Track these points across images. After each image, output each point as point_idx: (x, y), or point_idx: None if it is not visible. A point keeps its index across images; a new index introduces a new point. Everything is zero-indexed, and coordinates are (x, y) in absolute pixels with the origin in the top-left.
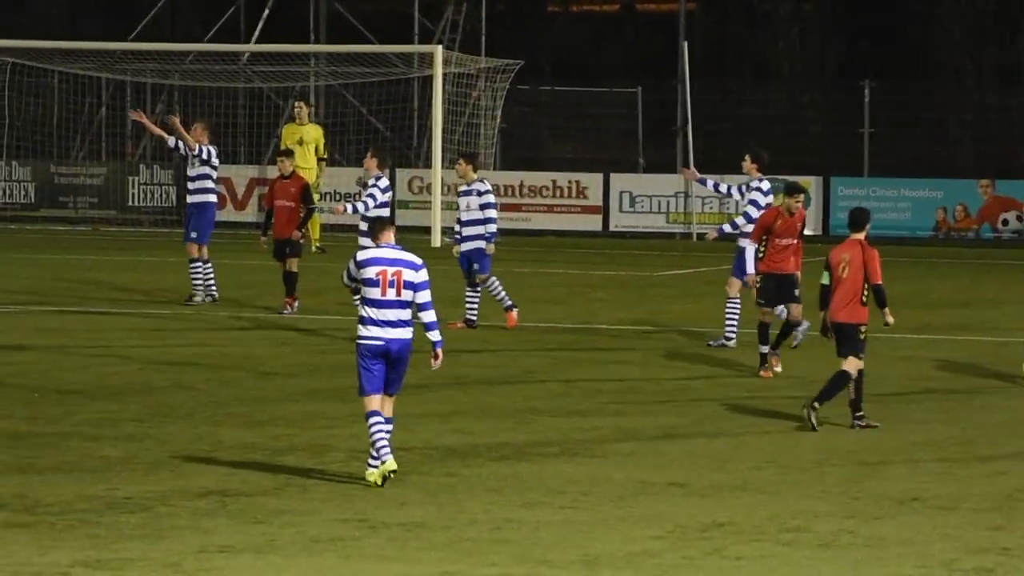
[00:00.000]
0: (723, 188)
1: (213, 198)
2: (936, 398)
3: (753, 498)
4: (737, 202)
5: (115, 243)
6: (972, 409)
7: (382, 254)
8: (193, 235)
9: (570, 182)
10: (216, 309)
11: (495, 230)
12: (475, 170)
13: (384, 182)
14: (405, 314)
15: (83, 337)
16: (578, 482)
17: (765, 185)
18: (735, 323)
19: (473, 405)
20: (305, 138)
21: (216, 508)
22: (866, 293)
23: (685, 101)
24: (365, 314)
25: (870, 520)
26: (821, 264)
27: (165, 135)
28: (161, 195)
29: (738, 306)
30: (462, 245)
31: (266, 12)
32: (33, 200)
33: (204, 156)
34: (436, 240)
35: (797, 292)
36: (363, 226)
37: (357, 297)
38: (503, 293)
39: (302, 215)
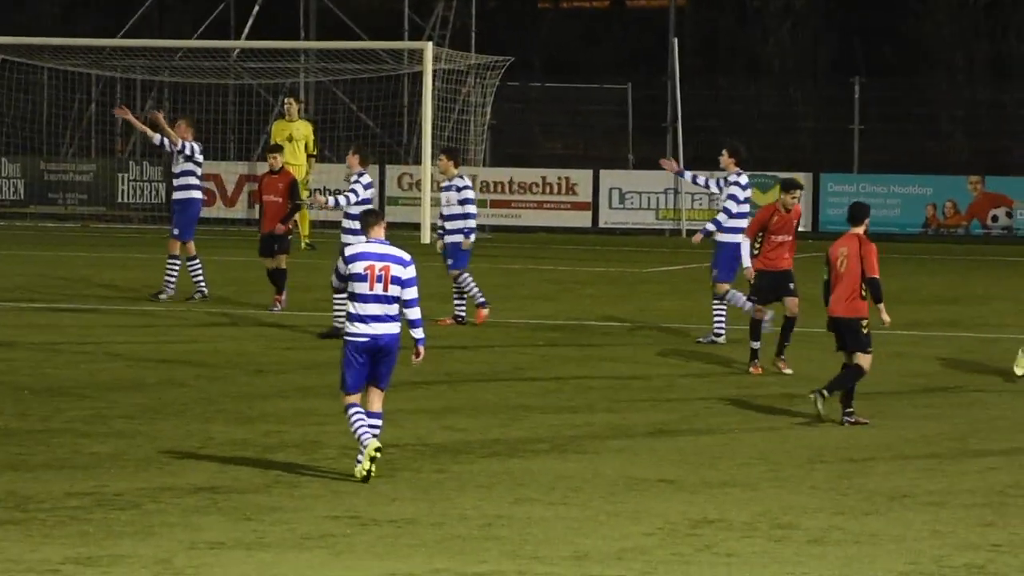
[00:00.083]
0: (701, 181)
1: (197, 195)
2: (926, 394)
3: (743, 494)
4: (716, 196)
5: (105, 239)
6: (962, 405)
7: (371, 249)
8: (175, 232)
9: (560, 178)
10: (206, 306)
11: (473, 225)
12: (456, 166)
13: (367, 179)
14: (392, 309)
15: (73, 334)
16: (569, 478)
17: (743, 179)
18: (724, 319)
19: (464, 402)
20: (295, 134)
21: (206, 505)
22: (865, 287)
23: (675, 97)
24: (352, 310)
25: (860, 516)
26: (810, 260)
27: (150, 132)
28: (151, 191)
29: (724, 303)
30: (444, 240)
31: (256, 8)
32: (22, 196)
33: (188, 152)
34: (426, 236)
35: (792, 286)
36: (346, 223)
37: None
38: (475, 289)
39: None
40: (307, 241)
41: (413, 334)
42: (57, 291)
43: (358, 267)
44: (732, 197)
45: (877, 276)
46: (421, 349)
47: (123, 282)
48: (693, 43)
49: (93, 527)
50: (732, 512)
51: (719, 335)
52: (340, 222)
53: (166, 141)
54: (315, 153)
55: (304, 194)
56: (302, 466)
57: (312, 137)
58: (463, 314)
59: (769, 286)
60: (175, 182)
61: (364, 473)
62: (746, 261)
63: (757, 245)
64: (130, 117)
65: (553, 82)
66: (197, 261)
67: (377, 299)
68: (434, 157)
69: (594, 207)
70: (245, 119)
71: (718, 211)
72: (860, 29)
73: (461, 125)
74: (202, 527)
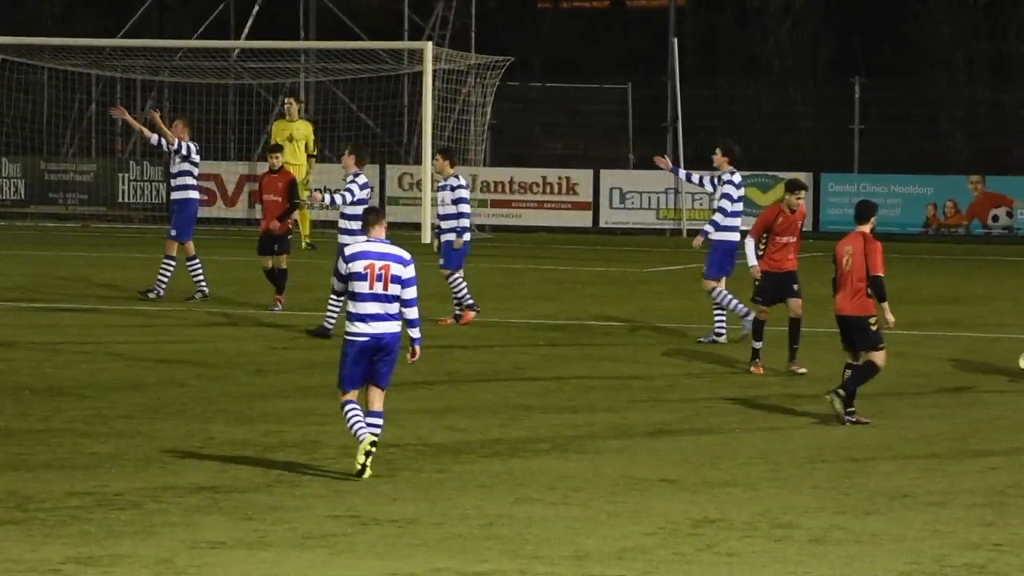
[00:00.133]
0: (695, 179)
1: (194, 195)
2: (927, 394)
3: (744, 494)
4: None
5: (105, 239)
6: (963, 405)
7: (371, 248)
8: (172, 233)
9: (560, 178)
10: (207, 305)
11: (467, 225)
12: (452, 165)
13: (362, 179)
14: (392, 308)
15: (73, 334)
16: (569, 478)
17: (736, 178)
18: (724, 319)
19: (465, 402)
20: (295, 134)
21: (207, 504)
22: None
23: (675, 97)
24: (352, 309)
25: (861, 516)
26: (810, 260)
27: (147, 132)
28: (151, 191)
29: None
30: (440, 238)
31: (256, 8)
32: (23, 196)
33: (184, 152)
34: (426, 236)
35: (796, 287)
36: (342, 224)
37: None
38: (466, 291)
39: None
40: (308, 241)
41: (411, 333)
42: (57, 291)
43: (358, 266)
44: (727, 196)
45: (881, 274)
46: (417, 349)
47: (123, 282)
48: (693, 43)
49: (94, 527)
50: (733, 512)
51: (720, 335)
52: (337, 222)
53: (163, 141)
54: (315, 153)
55: (304, 194)
56: (303, 465)
57: (312, 137)
58: (462, 312)
59: (773, 287)
60: (172, 182)
61: (358, 468)
62: (752, 260)
63: (762, 246)
64: (127, 117)
65: (553, 82)
66: (197, 261)
67: (376, 298)
68: (434, 157)
69: (594, 207)
70: (245, 119)
71: (713, 211)
72: (860, 29)
73: (461, 125)
74: (203, 527)
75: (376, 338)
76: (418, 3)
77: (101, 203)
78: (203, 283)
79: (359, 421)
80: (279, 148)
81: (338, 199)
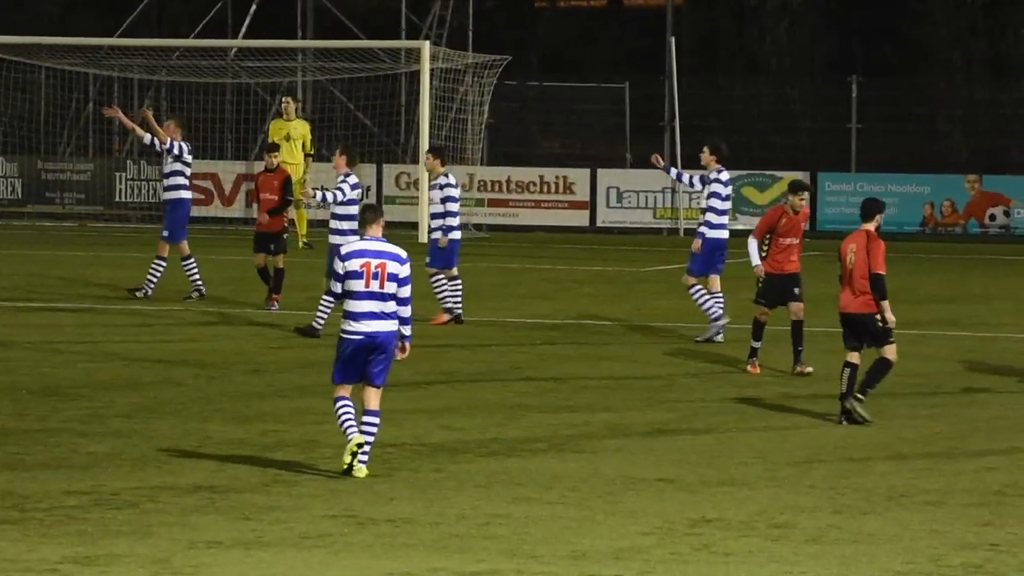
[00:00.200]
0: (685, 178)
1: (187, 195)
2: (924, 394)
3: (741, 494)
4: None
5: (102, 239)
6: (960, 405)
7: (367, 246)
8: (165, 234)
9: (557, 177)
10: (203, 305)
11: (453, 223)
12: (443, 164)
13: (353, 179)
14: (389, 306)
15: (70, 333)
16: (567, 478)
17: (724, 176)
18: (721, 317)
19: (462, 401)
20: (292, 134)
21: (204, 504)
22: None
23: (673, 96)
24: (348, 308)
25: (858, 516)
26: (808, 259)
27: (140, 131)
28: (148, 191)
29: (721, 298)
30: (429, 236)
31: (253, 8)
32: (20, 196)
33: (176, 152)
34: (423, 236)
35: (798, 291)
36: (333, 224)
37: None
38: (447, 293)
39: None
40: (305, 240)
41: (402, 330)
42: (54, 291)
43: (354, 264)
44: (715, 195)
45: (882, 272)
46: (407, 345)
47: (121, 281)
48: (690, 42)
49: (91, 526)
50: (730, 511)
51: (717, 333)
52: (328, 222)
53: (155, 140)
54: (312, 152)
55: (298, 192)
56: (300, 465)
57: (309, 136)
58: (459, 311)
59: (775, 289)
60: (164, 182)
61: (344, 467)
62: (755, 260)
63: (765, 247)
64: (122, 116)
65: (550, 81)
66: (192, 260)
67: (371, 296)
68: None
69: (591, 206)
70: (243, 118)
71: (703, 210)
72: (858, 28)
73: (458, 124)
74: (200, 526)
75: (371, 336)
76: (415, 2)
77: (98, 202)
78: (199, 283)
79: (350, 419)
80: (276, 147)
81: (328, 196)
